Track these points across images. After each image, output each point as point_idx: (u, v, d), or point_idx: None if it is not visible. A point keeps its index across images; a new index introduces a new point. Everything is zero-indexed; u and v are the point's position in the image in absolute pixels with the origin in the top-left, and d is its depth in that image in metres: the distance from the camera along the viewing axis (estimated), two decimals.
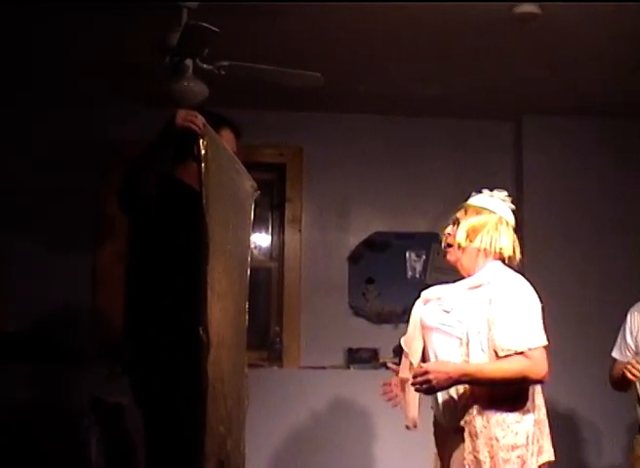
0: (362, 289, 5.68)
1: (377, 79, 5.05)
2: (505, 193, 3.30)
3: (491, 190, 3.30)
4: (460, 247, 3.17)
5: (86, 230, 5.40)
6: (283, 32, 4.24)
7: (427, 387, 2.91)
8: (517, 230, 3.32)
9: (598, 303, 5.45)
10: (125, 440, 4.60)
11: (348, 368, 5.56)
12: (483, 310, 2.99)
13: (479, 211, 3.20)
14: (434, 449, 3.28)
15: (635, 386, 3.63)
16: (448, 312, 3.09)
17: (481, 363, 2.95)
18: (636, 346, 3.74)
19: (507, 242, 3.17)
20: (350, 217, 5.78)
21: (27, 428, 4.86)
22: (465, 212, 3.22)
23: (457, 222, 3.23)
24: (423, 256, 5.71)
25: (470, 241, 3.15)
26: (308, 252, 5.71)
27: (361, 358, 5.55)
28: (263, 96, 5.07)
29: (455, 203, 5.41)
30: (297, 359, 5.58)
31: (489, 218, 3.18)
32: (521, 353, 2.91)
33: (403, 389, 3.33)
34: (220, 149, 3.27)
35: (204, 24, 3.27)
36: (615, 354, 3.86)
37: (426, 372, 2.90)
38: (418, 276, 5.69)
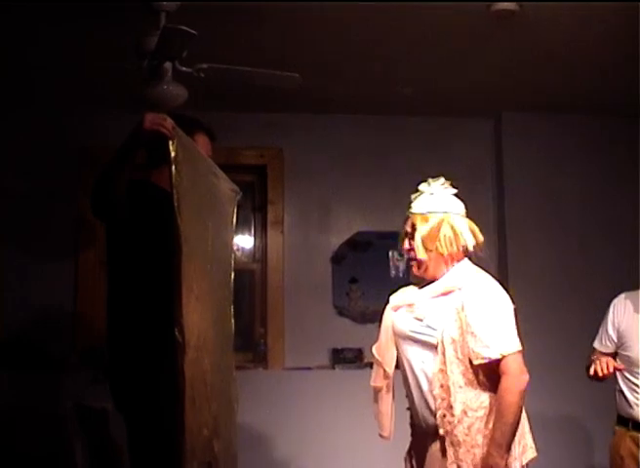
0: (346, 289, 5.69)
1: (356, 79, 5.05)
2: (442, 181, 3.19)
3: (427, 183, 3.21)
4: (422, 261, 3.11)
5: (67, 236, 5.38)
6: (261, 34, 4.24)
7: None
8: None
9: (581, 298, 5.47)
10: (109, 445, 4.58)
11: (333, 368, 5.57)
12: (456, 317, 2.95)
13: (425, 218, 3.10)
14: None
15: (616, 377, 3.65)
16: (420, 320, 3.04)
17: (492, 436, 2.89)
18: (618, 338, 3.75)
19: (467, 235, 3.08)
20: (332, 218, 5.79)
21: (11, 435, 4.84)
22: (413, 223, 3.14)
23: (410, 236, 3.15)
24: (406, 255, 5.70)
25: (430, 250, 3.07)
26: (291, 253, 5.71)
27: (346, 358, 5.55)
28: (243, 98, 5.06)
29: None
30: (281, 360, 5.58)
31: (438, 222, 3.09)
32: (496, 361, 2.89)
33: (375, 399, 3.29)
34: (193, 152, 3.25)
35: (182, 27, 3.27)
36: (595, 344, 3.86)
37: None
38: (401, 275, 5.69)
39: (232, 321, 3.60)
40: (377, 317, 5.47)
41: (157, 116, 3.08)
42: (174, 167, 3.00)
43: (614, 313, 3.82)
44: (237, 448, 3.59)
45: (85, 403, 4.73)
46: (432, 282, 3.13)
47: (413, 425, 3.24)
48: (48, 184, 5.35)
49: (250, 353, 5.61)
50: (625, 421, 3.69)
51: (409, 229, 3.16)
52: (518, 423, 2.90)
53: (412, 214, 3.17)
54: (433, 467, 3.02)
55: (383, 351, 3.23)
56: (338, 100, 5.45)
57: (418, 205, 3.17)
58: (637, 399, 3.61)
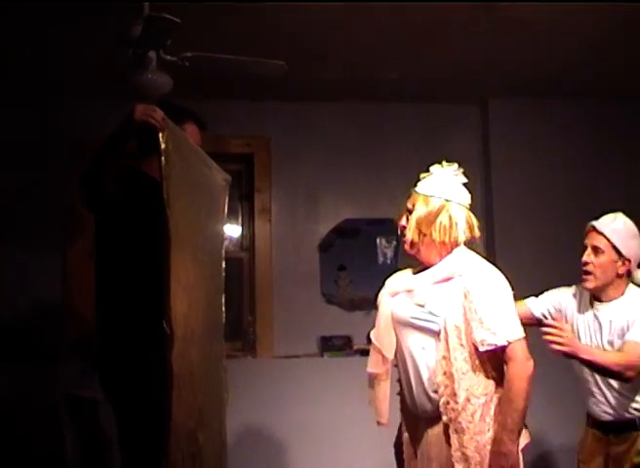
0: (334, 276, 5.69)
1: (342, 66, 5.04)
2: (455, 166, 3.14)
3: (441, 164, 3.19)
4: (413, 242, 3.08)
5: (55, 227, 5.35)
6: (246, 22, 4.23)
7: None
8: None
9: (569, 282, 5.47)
10: (99, 435, 4.58)
11: (322, 355, 5.58)
12: (459, 303, 2.93)
13: (427, 200, 3.05)
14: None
15: (577, 372, 3.61)
16: (422, 306, 3.00)
17: (502, 423, 2.90)
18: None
19: (461, 227, 3.05)
20: (320, 206, 5.79)
21: (1, 425, 4.84)
22: (414, 201, 3.08)
23: (408, 213, 3.10)
24: (394, 242, 5.71)
25: (424, 235, 3.04)
26: (279, 241, 5.71)
27: (335, 345, 5.56)
28: (229, 86, 5.06)
29: None
30: (270, 348, 5.59)
31: (438, 207, 3.05)
32: (502, 347, 2.89)
33: (372, 385, 3.27)
34: (183, 143, 3.25)
35: (166, 16, 3.25)
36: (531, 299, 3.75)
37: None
38: (389, 262, 5.70)
39: (223, 310, 3.60)
40: (365, 304, 5.56)
41: (147, 107, 3.07)
42: (164, 158, 2.99)
43: (564, 299, 3.72)
44: (226, 437, 3.59)
45: (75, 393, 4.73)
46: (427, 267, 3.11)
47: (404, 411, 3.23)
48: (36, 175, 5.32)
49: (239, 342, 5.61)
50: (587, 416, 3.70)
51: (410, 206, 3.10)
52: (527, 409, 2.91)
53: (415, 192, 3.12)
54: (430, 453, 3.02)
55: (382, 337, 3.19)
56: (324, 88, 5.44)
57: (423, 185, 3.12)
58: (589, 397, 3.61)
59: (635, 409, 3.49)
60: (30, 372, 5.05)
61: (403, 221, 3.13)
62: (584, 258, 3.53)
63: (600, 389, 3.54)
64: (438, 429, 2.98)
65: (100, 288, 3.32)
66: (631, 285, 3.57)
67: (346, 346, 5.57)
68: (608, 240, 3.50)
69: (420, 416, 3.08)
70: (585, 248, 3.57)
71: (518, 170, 5.74)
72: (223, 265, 3.64)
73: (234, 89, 5.18)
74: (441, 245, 3.06)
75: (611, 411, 3.53)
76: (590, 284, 3.51)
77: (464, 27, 4.42)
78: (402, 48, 4.75)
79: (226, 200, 3.73)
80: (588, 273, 3.51)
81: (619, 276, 3.51)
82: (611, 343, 3.46)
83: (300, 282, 5.66)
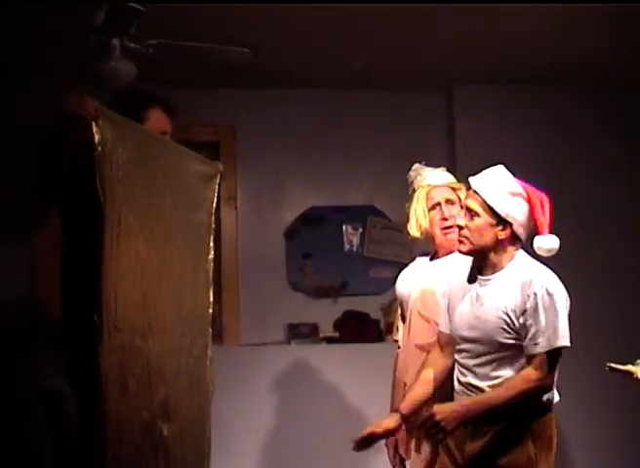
0: (300, 264, 5.69)
1: (307, 53, 5.03)
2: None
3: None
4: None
5: (21, 216, 5.28)
6: (211, 10, 4.19)
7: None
8: None
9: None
10: (67, 425, 4.56)
11: (289, 343, 5.58)
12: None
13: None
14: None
15: None
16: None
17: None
18: None
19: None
20: (286, 193, 5.78)
21: None
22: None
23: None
24: (360, 229, 5.73)
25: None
26: (245, 229, 5.70)
27: (301, 333, 5.57)
28: (196, 74, 5.04)
29: (389, 174, 5.48)
30: (237, 337, 5.58)
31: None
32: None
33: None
34: (133, 131, 3.18)
35: (129, 4, 3.23)
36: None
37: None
38: (355, 249, 5.72)
39: (210, 301, 3.56)
40: (331, 292, 5.59)
41: (78, 97, 3.03)
42: (99, 148, 2.95)
43: None
44: (209, 429, 3.57)
45: (43, 382, 4.70)
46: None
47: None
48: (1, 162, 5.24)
49: None
50: None
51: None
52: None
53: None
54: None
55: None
56: (290, 76, 5.43)
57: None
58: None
59: None
60: None
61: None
62: (457, 221, 3.09)
63: None
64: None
65: (66, 277, 3.30)
66: (522, 254, 3.07)
67: (313, 334, 5.58)
68: (483, 200, 3.04)
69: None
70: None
71: (483, 156, 5.72)
72: (211, 256, 3.59)
73: (201, 77, 5.15)
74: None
75: None
76: (465, 248, 3.04)
77: (429, 14, 4.42)
78: (367, 35, 4.75)
79: (215, 189, 3.67)
80: (463, 237, 3.03)
81: (500, 242, 3.01)
82: (485, 322, 3.00)
83: (267, 269, 5.66)
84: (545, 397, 2.98)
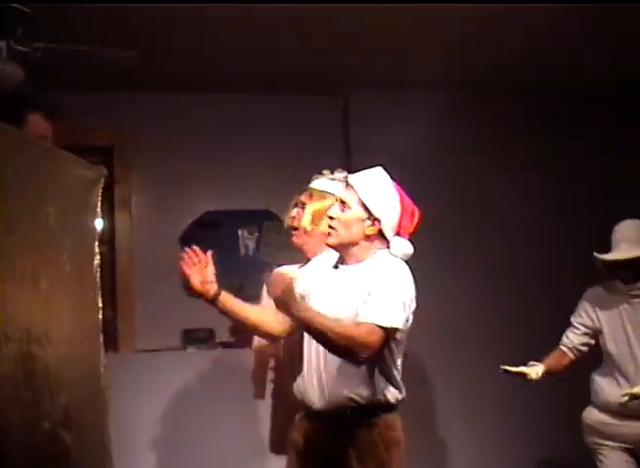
0: None
1: (204, 57, 5.03)
2: (345, 174, 3.38)
3: (332, 171, 3.41)
4: (306, 231, 3.26)
5: None
6: (104, 12, 4.16)
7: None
8: None
9: (454, 279, 5.57)
10: None
11: (185, 349, 5.56)
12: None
13: (323, 195, 3.34)
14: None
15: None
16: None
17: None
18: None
19: None
20: (182, 198, 5.75)
21: None
22: (310, 196, 3.36)
23: (301, 206, 3.34)
24: (256, 233, 5.75)
25: (316, 225, 3.28)
26: (140, 234, 5.65)
27: (197, 338, 5.55)
28: (88, 78, 4.97)
29: (286, 178, 5.49)
30: (132, 342, 5.53)
31: (331, 203, 3.23)
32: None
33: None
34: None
35: (14, 5, 3.17)
36: None
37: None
38: (251, 253, 5.73)
39: (99, 307, 3.52)
40: None
41: None
42: None
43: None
44: (108, 435, 3.53)
45: None
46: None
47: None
48: None
49: None
50: None
51: (303, 199, 3.37)
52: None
53: (312, 188, 3.41)
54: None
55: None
56: (187, 79, 5.40)
57: (319, 182, 3.43)
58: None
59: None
60: None
61: (294, 212, 3.42)
62: (329, 212, 3.16)
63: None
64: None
65: None
66: (384, 251, 3.16)
67: (209, 339, 5.56)
68: (357, 195, 3.11)
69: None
70: None
71: (379, 160, 5.79)
72: (97, 261, 3.54)
73: (94, 80, 5.08)
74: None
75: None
76: (332, 240, 3.11)
77: (324, 18, 4.46)
78: (263, 40, 4.78)
79: (99, 193, 3.62)
80: (332, 228, 3.11)
81: (367, 237, 3.11)
82: (341, 306, 3.07)
83: (162, 274, 5.59)
84: (390, 395, 3.04)
